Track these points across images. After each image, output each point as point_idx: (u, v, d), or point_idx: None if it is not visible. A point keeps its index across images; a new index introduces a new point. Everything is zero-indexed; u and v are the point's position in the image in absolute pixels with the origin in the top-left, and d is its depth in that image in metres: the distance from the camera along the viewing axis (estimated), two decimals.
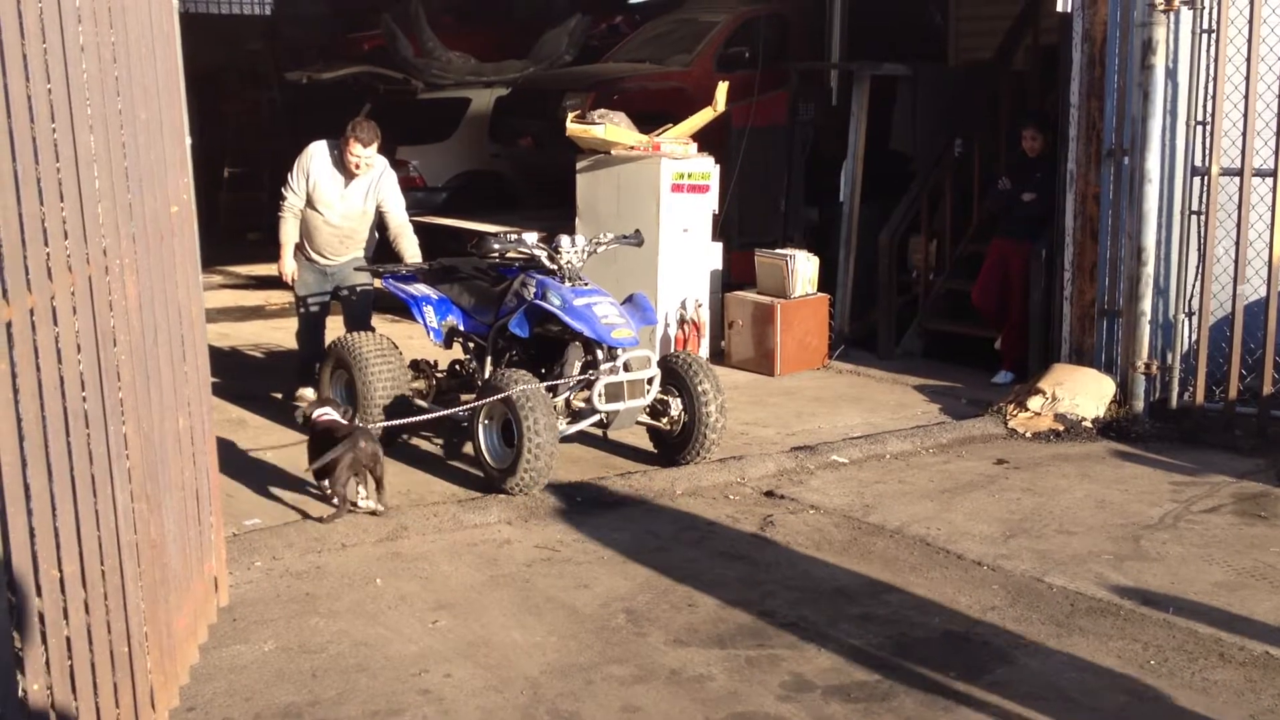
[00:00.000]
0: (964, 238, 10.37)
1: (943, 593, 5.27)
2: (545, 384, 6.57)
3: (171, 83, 4.50)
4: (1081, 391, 7.97)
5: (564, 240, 7.01)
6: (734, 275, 10.26)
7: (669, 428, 7.03)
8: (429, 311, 7.20)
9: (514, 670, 4.48)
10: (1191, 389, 7.88)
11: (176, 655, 4.16)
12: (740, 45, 12.29)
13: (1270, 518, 6.24)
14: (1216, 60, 7.67)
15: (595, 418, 6.76)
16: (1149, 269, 7.90)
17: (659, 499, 6.46)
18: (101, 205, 3.47)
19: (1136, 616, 5.02)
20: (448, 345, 7.41)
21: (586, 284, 6.85)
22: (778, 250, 9.87)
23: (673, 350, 8.89)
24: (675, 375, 6.96)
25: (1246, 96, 7.59)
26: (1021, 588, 5.33)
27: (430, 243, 8.71)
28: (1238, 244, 7.65)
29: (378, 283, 7.96)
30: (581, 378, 6.75)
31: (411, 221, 8.17)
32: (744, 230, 10.91)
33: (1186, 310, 7.96)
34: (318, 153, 7.83)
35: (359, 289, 8.15)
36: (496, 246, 6.99)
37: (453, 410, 7.02)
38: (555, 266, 6.89)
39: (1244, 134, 7.60)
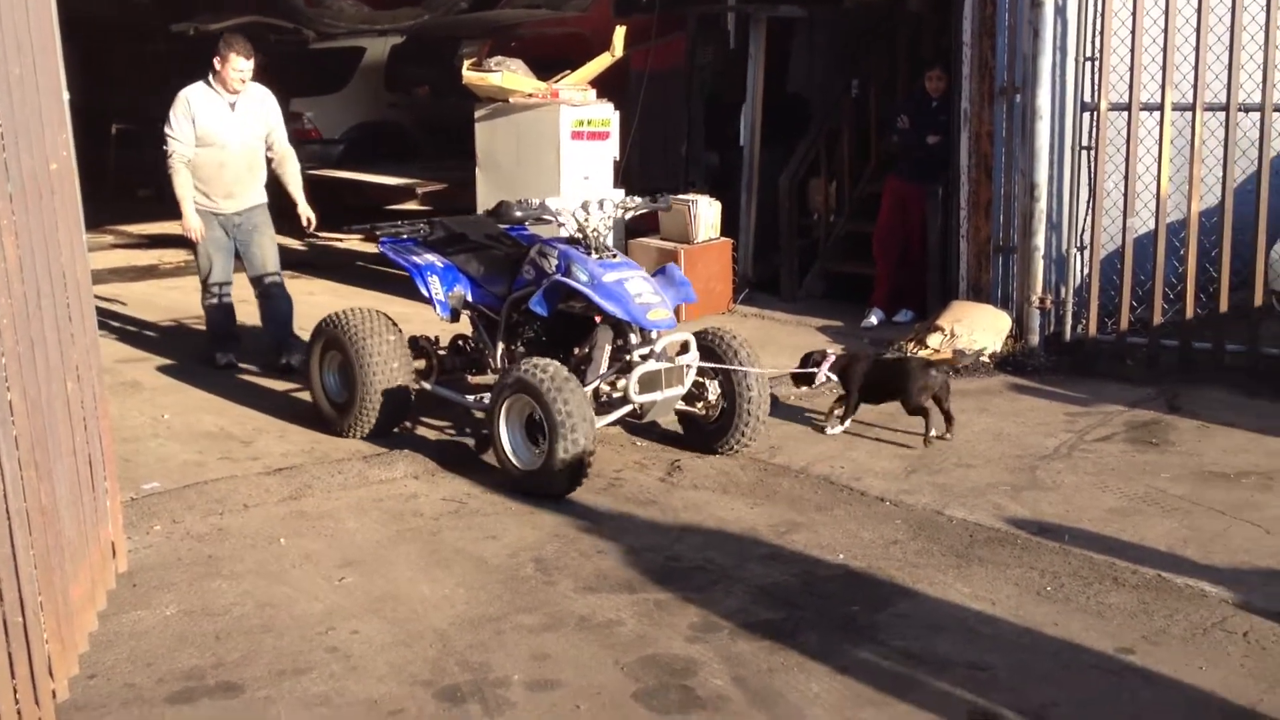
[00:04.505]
0: (863, 178, 10.45)
1: (847, 529, 5.35)
2: (574, 373, 5.83)
3: (46, 37, 4.35)
4: (979, 327, 8.10)
5: (590, 205, 6.24)
6: (636, 222, 10.23)
7: (705, 413, 6.31)
8: (434, 281, 6.36)
9: (423, 624, 4.47)
10: (1084, 321, 8.05)
11: (74, 623, 4.08)
12: None
13: (1161, 444, 6.43)
14: None
15: (629, 408, 6.02)
16: (1042, 205, 8.03)
17: None
18: None
19: (1033, 545, 5.15)
20: (454, 319, 6.57)
21: (615, 256, 6.10)
22: (679, 196, 9.86)
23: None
24: (712, 355, 6.23)
25: (1133, 32, 7.71)
26: (923, 521, 5.44)
27: (329, 197, 8.57)
28: (1126, 178, 7.80)
29: (373, 248, 7.56)
30: (614, 367, 6.04)
31: (309, 176, 8.00)
32: (645, 176, 10.86)
33: (1078, 244, 8.12)
34: (195, 94, 7.48)
35: (266, 240, 7.79)
36: (519, 214, 6.24)
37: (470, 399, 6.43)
38: (581, 235, 6.17)
39: (1131, 69, 7.74)
